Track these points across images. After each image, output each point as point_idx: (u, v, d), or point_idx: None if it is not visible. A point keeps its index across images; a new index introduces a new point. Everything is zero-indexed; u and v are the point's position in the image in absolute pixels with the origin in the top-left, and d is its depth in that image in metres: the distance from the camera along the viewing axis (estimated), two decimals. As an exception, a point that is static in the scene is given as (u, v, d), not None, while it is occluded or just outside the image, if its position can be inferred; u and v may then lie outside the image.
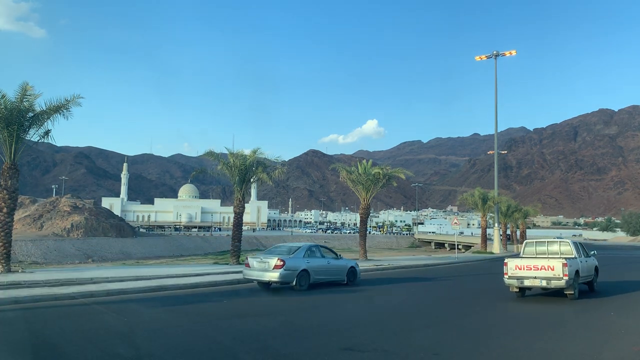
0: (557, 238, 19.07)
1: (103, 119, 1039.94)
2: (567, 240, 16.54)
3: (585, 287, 16.37)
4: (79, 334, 9.07)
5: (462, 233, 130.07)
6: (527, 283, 14.40)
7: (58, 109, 19.01)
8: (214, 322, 10.74)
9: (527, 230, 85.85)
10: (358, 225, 47.65)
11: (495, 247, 50.08)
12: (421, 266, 30.06)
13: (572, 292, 14.31)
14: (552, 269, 13.90)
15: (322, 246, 18.99)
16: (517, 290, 14.93)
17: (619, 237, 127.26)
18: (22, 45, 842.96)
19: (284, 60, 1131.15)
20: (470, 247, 68.07)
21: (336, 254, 19.26)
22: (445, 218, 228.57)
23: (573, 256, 15.11)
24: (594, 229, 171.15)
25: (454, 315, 12.21)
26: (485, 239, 52.64)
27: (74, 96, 19.33)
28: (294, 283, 16.11)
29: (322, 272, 17.39)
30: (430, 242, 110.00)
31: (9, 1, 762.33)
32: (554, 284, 13.95)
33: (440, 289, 18.75)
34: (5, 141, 18.28)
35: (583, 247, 16.73)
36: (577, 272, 14.47)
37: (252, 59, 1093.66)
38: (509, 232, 69.18)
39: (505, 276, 14.82)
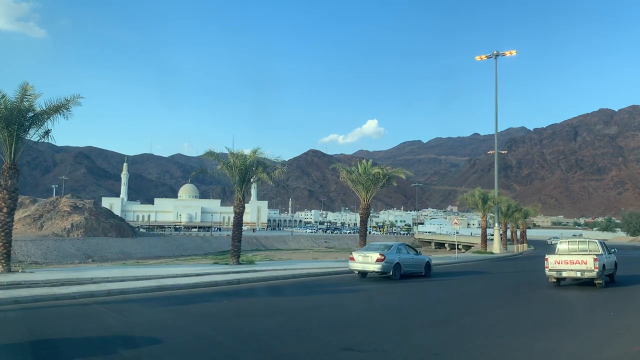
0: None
1: (103, 119, 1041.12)
2: (595, 240, 19.41)
3: (607, 278, 19.04)
4: (79, 334, 9.07)
5: (457, 233, 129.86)
6: (564, 274, 17.76)
7: (58, 108, 19.00)
8: (214, 322, 10.74)
9: (527, 230, 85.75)
10: (358, 225, 47.62)
11: (496, 247, 50.06)
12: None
13: (600, 282, 17.44)
14: (585, 263, 17.16)
15: (407, 245, 23.14)
16: (555, 280, 18.34)
17: (619, 237, 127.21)
18: (23, 46, 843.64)
19: (284, 60, 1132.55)
20: (470, 247, 68.05)
21: (416, 251, 23.48)
22: (445, 218, 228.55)
23: (600, 253, 18.01)
24: (594, 229, 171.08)
25: (454, 315, 12.21)
26: (485, 239, 52.61)
27: (74, 96, 19.33)
28: (391, 273, 20.09)
29: (409, 265, 21.47)
30: (430, 242, 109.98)
31: (10, 1, 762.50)
32: (587, 275, 17.28)
33: (440, 289, 18.75)
34: (5, 141, 18.27)
35: (606, 246, 19.68)
36: (603, 265, 17.59)
37: (252, 59, 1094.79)
38: (509, 232, 69.14)
39: (547, 269, 18.12)
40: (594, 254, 17.40)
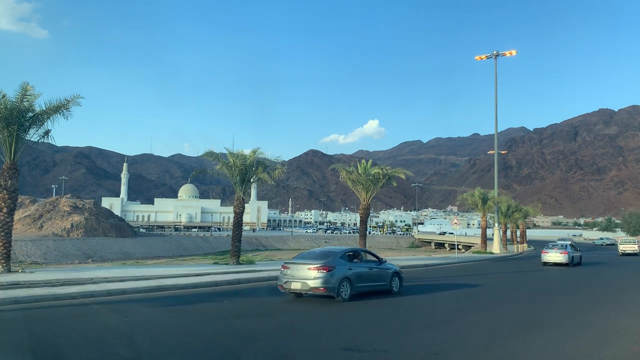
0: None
1: (103, 119, 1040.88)
2: (635, 239, 54.31)
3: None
4: (79, 334, 9.07)
5: (447, 233, 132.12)
6: (627, 251, 48.85)
7: (58, 108, 19.01)
8: (214, 322, 10.74)
9: (527, 230, 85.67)
10: (358, 225, 47.61)
11: (495, 247, 50.04)
12: (421, 266, 30.05)
13: (638, 254, 48.35)
14: (634, 247, 49.12)
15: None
16: (621, 254, 48.94)
17: (619, 237, 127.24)
18: (24, 46, 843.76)
19: (284, 60, 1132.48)
20: (470, 247, 68.00)
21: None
22: (445, 218, 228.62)
23: (638, 243, 50.42)
24: (594, 229, 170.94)
25: (454, 315, 12.21)
26: (485, 239, 52.60)
27: (74, 96, 19.35)
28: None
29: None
30: (430, 242, 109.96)
31: (11, 2, 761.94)
32: (635, 251, 48.63)
33: (439, 289, 18.75)
34: (5, 141, 18.28)
35: (637, 241, 52.62)
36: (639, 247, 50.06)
37: (252, 59, 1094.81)
38: (509, 232, 69.10)
39: (619, 249, 50.48)
40: (637, 244, 49.60)
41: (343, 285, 13.78)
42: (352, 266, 14.50)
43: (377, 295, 14.85)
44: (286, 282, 14.04)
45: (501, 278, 24.30)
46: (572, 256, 31.50)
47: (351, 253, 15.18)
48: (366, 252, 17.02)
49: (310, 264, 13.80)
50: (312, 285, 13.44)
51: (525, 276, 25.59)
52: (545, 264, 31.63)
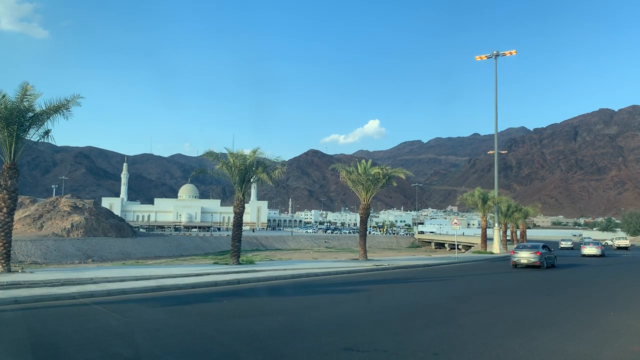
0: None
1: (103, 119, 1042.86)
2: (627, 237, 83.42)
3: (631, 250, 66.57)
4: (79, 334, 9.07)
5: (428, 232, 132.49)
6: (620, 245, 69.14)
7: (58, 108, 19.00)
8: (214, 322, 10.74)
9: (527, 230, 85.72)
10: (358, 225, 47.61)
11: (495, 247, 50.00)
12: (421, 266, 30.04)
13: (629, 249, 67.70)
14: (627, 242, 71.37)
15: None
16: (616, 248, 68.83)
17: (613, 236, 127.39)
18: (25, 46, 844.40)
19: (284, 60, 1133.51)
20: (470, 247, 68.00)
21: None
22: (445, 218, 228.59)
23: (629, 241, 75.16)
24: (594, 229, 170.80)
25: (454, 315, 12.20)
26: (485, 239, 52.57)
27: (74, 96, 19.35)
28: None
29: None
30: (430, 242, 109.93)
31: (12, 2, 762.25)
32: (626, 246, 69.45)
33: (439, 289, 18.75)
34: (5, 141, 18.27)
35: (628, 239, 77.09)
36: (630, 244, 73.59)
37: (252, 59, 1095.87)
38: (509, 232, 69.08)
39: (614, 244, 71.84)
40: (628, 240, 72.44)
41: (544, 261, 28.44)
42: (545, 251, 29.10)
43: (549, 268, 28.75)
44: (517, 259, 28.80)
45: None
46: (602, 249, 44.68)
47: (544, 245, 30.36)
48: (546, 245, 30.87)
49: (530, 250, 28.81)
50: (533, 261, 28.13)
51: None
52: (584, 255, 43.84)
